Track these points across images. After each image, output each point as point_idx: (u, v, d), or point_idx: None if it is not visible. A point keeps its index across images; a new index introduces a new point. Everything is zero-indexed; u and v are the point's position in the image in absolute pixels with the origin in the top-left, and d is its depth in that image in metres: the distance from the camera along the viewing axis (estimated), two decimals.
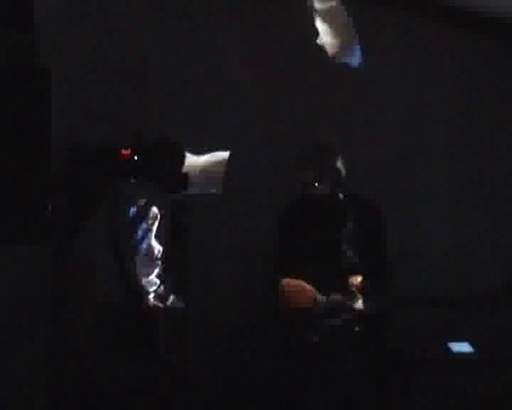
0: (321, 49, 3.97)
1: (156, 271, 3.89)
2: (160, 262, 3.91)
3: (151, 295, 3.86)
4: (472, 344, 4.82)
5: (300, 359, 4.26)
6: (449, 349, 4.78)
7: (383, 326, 4.49)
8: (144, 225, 3.89)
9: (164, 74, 4.74)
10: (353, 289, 4.21)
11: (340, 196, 4.39)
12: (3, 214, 3.54)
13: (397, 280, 4.61)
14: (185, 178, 4.17)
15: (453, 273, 5.60)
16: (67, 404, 4.04)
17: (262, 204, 4.96)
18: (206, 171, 4.27)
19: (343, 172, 4.38)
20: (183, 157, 4.17)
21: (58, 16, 4.35)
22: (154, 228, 3.90)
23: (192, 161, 4.26)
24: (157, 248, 3.89)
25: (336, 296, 4.20)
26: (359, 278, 4.22)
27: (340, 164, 4.38)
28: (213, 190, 4.29)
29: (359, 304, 4.19)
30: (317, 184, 4.33)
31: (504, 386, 4.74)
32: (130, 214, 3.90)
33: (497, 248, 5.84)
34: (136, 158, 4.14)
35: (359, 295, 4.20)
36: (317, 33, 3.96)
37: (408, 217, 5.50)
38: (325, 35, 3.97)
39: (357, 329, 4.16)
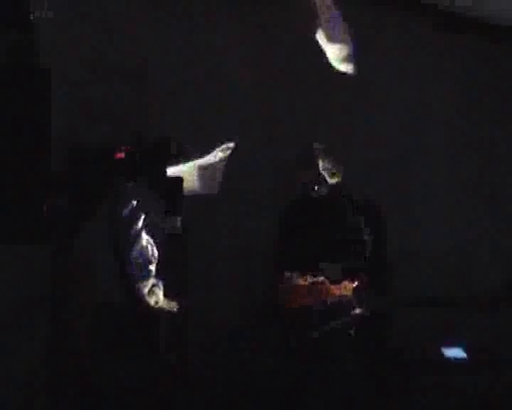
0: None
1: (151, 271, 3.89)
2: (154, 262, 3.90)
3: (146, 296, 3.86)
4: (465, 349, 4.81)
5: (300, 359, 4.26)
6: (443, 354, 4.79)
7: (383, 326, 4.49)
8: (137, 226, 3.88)
9: (164, 74, 4.74)
10: (352, 291, 4.22)
11: (340, 196, 4.41)
12: (3, 214, 3.54)
13: (397, 280, 4.62)
14: (181, 180, 4.16)
15: (453, 273, 5.60)
16: (67, 404, 4.03)
17: (262, 204, 4.96)
18: (202, 172, 4.25)
19: (342, 172, 4.40)
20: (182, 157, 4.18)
21: (58, 16, 4.35)
22: (147, 228, 3.89)
23: (188, 163, 4.25)
24: (150, 248, 3.89)
25: (335, 298, 4.20)
26: (353, 285, 4.23)
27: (339, 165, 4.40)
28: (211, 191, 4.28)
29: (357, 307, 4.20)
30: (316, 187, 4.35)
31: (504, 386, 4.74)
32: (123, 215, 3.90)
33: (497, 248, 5.84)
34: (130, 160, 4.13)
35: (358, 298, 4.21)
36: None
37: (408, 217, 5.50)
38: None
39: (351, 333, 4.17)
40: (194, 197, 4.24)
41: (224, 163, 4.19)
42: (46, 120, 3.57)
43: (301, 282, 4.20)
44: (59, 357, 4.08)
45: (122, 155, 4.09)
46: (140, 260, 3.87)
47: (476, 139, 5.85)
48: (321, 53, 4.16)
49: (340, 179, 4.42)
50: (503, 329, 5.08)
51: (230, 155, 4.25)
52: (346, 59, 4.00)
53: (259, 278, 4.80)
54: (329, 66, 4.14)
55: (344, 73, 4.22)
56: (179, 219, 4.12)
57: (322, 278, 4.22)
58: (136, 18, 4.67)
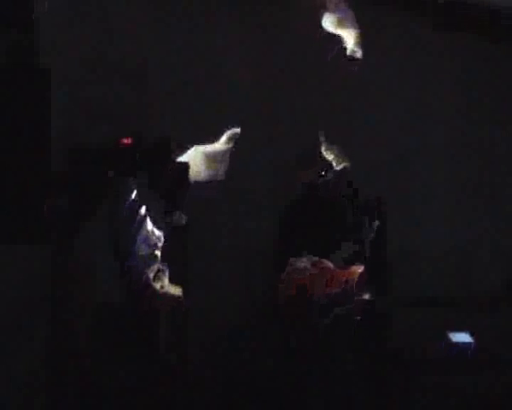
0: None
1: (156, 256, 3.89)
2: (159, 247, 3.90)
3: (151, 281, 3.85)
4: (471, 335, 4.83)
5: (300, 359, 4.26)
6: (448, 339, 4.79)
7: (383, 326, 4.49)
8: (140, 211, 3.88)
9: (164, 74, 4.74)
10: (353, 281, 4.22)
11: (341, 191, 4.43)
12: (3, 214, 3.54)
13: (397, 280, 4.62)
14: (187, 168, 4.13)
15: (453, 273, 5.60)
16: (67, 404, 4.03)
17: (262, 204, 4.96)
18: (208, 159, 4.24)
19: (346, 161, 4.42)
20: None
21: (58, 16, 4.35)
22: (150, 215, 3.89)
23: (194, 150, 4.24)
24: (155, 233, 3.89)
25: (340, 286, 4.21)
26: (359, 269, 4.23)
27: (340, 153, 4.42)
28: (217, 178, 4.25)
29: (359, 295, 4.21)
30: (323, 173, 4.37)
31: (504, 386, 4.74)
32: (126, 205, 3.90)
33: (497, 248, 5.84)
34: (130, 158, 4.12)
35: (359, 287, 4.21)
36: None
37: (408, 217, 5.50)
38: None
39: (357, 318, 4.17)
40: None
41: (231, 149, 4.18)
42: (46, 120, 3.58)
43: (311, 270, 4.19)
44: (59, 357, 4.08)
45: (128, 141, 4.08)
46: (145, 247, 3.87)
47: (476, 139, 5.85)
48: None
49: (347, 164, 4.44)
50: (503, 329, 5.08)
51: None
52: (355, 45, 4.03)
53: (259, 278, 4.80)
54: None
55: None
56: (184, 217, 4.12)
57: (331, 266, 4.22)
58: (136, 18, 4.67)
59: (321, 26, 4.21)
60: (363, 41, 4.25)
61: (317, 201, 4.47)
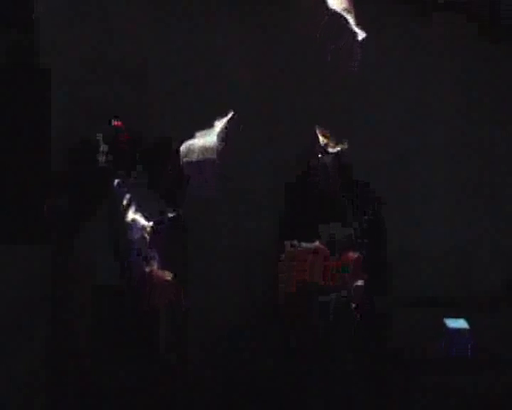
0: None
1: (145, 240, 3.90)
2: (147, 232, 3.91)
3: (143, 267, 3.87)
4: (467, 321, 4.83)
5: (300, 359, 4.26)
6: (445, 326, 4.79)
7: (383, 326, 4.49)
8: (125, 198, 3.90)
9: (164, 74, 4.74)
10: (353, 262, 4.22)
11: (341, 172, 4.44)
12: (3, 214, 3.54)
13: (397, 280, 4.62)
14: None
15: (453, 273, 5.60)
16: (67, 404, 4.03)
17: (262, 204, 4.96)
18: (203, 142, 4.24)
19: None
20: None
21: (58, 16, 4.35)
22: (136, 204, 3.91)
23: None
24: (142, 219, 3.90)
25: (337, 279, 4.21)
26: (355, 255, 4.23)
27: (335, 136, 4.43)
28: (212, 157, 4.24)
29: (356, 281, 4.21)
30: (319, 155, 4.38)
31: (504, 386, 4.74)
32: (114, 190, 3.91)
33: (497, 248, 5.84)
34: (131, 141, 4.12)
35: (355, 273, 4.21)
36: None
37: (408, 217, 5.50)
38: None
39: (354, 306, 4.18)
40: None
41: (224, 131, 4.19)
42: (46, 120, 3.58)
43: (310, 258, 4.19)
44: (59, 357, 4.09)
45: (119, 123, 4.08)
46: (136, 230, 3.89)
47: (476, 139, 5.85)
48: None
49: (344, 147, 4.44)
50: (503, 329, 5.08)
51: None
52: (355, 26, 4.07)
53: (259, 278, 4.80)
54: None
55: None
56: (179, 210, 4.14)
57: (326, 249, 4.21)
58: (136, 18, 4.67)
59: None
60: (363, 41, 4.25)
61: (313, 184, 4.47)
